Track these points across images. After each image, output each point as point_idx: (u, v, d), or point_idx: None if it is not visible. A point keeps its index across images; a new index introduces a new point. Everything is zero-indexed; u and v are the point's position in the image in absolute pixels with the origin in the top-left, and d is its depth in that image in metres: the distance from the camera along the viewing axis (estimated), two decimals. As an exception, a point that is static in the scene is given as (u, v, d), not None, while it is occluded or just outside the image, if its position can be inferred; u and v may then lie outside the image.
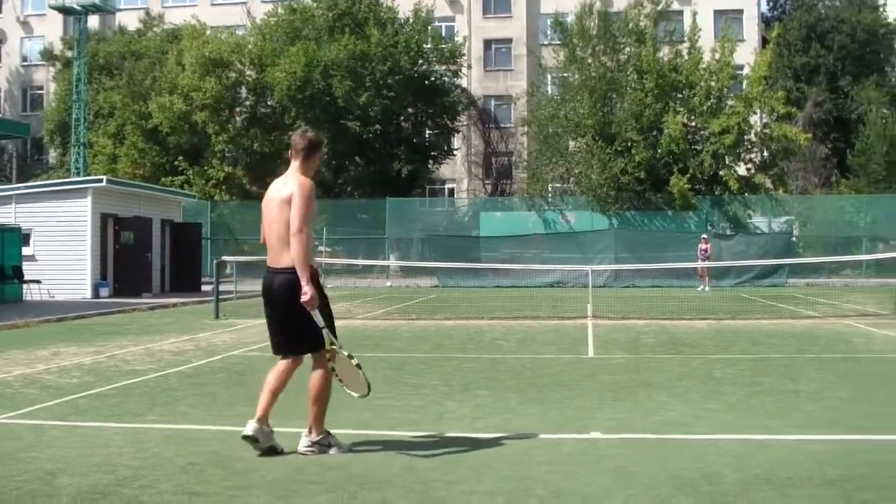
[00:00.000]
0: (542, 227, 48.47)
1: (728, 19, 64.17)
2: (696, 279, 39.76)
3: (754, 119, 50.97)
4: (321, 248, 46.35)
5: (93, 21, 69.67)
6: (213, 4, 76.18)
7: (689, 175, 46.92)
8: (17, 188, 36.19)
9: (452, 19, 73.22)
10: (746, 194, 48.99)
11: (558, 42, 55.01)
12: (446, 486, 6.77)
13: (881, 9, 72.94)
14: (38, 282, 31.32)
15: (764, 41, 62.71)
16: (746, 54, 56.90)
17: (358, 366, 7.91)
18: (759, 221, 49.68)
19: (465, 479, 6.97)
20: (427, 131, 63.09)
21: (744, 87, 49.98)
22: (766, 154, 50.61)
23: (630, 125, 47.45)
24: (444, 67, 61.92)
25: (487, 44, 73.75)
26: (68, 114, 63.10)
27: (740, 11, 72.28)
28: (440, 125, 62.81)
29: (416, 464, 7.51)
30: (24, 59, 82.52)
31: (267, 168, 56.88)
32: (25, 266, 31.13)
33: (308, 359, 8.01)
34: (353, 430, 8.72)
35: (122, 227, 33.59)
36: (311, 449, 7.87)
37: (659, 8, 51.54)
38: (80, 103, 60.49)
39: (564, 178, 52.69)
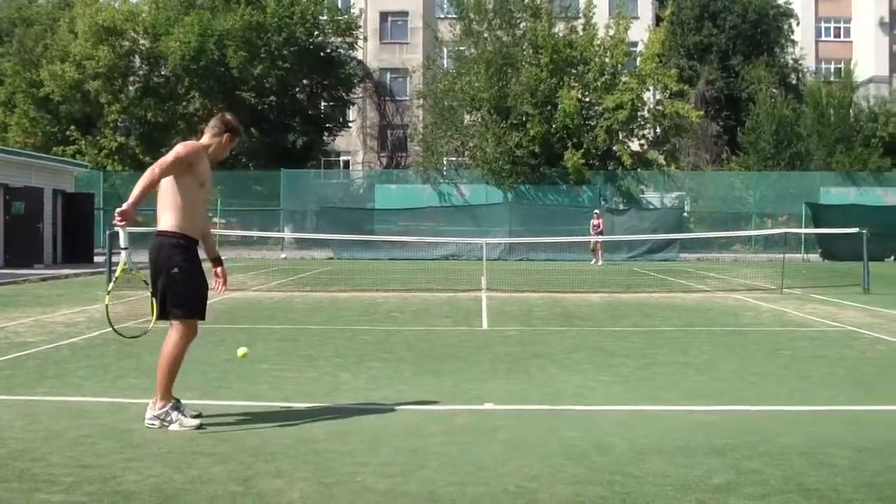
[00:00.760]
0: (437, 200, 48.55)
1: (623, -4, 64.75)
2: (589, 253, 40.10)
3: (647, 96, 51.61)
4: (215, 220, 45.92)
5: (-19, -14, 68.05)
6: (105, -30, 74.72)
7: (583, 150, 47.34)
8: None
9: (349, -9, 72.86)
10: (639, 170, 49.64)
11: (455, 16, 55.02)
12: (340, 458, 6.76)
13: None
14: (-78, 252, 30.62)
15: (658, 19, 63.47)
16: (640, 31, 57.46)
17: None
18: (651, 197, 50.34)
19: (359, 451, 6.96)
20: (322, 103, 62.73)
21: (637, 64, 50.53)
22: (658, 130, 51.26)
23: (525, 99, 47.67)
24: (339, 39, 61.54)
25: (384, 16, 73.44)
26: (-44, 81, 61.57)
27: (635, -11, 72.98)
28: (335, 97, 62.49)
29: (311, 435, 7.48)
30: None
31: (160, 138, 56.21)
32: (-90, 236, 30.38)
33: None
34: (247, 402, 8.67)
35: (12, 197, 32.85)
36: (152, 423, 7.72)
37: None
38: (-32, 70, 59.07)
39: (459, 151, 52.81)
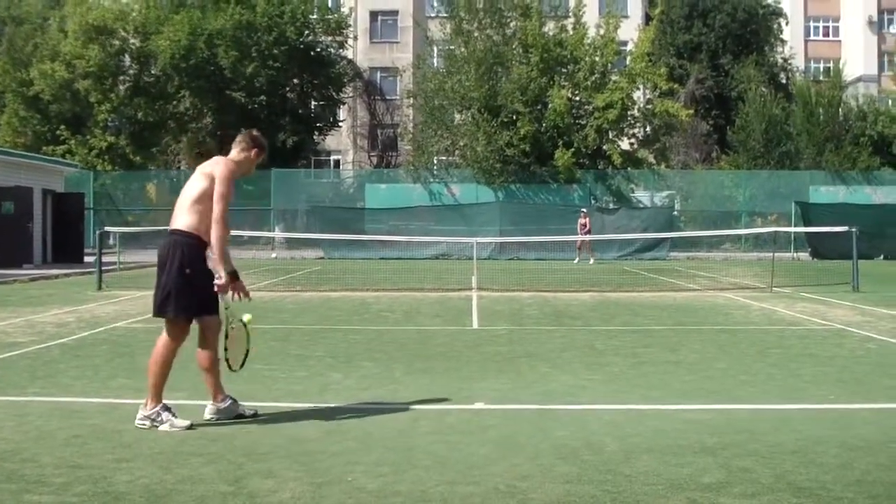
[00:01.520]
0: (428, 200, 48.48)
1: (612, -5, 64.77)
2: (575, 252, 40.10)
3: (637, 95, 51.63)
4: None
5: (-31, -16, 67.80)
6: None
7: (573, 149, 47.32)
8: None
9: (339, -10, 72.83)
10: (629, 169, 49.64)
11: (445, 15, 55.02)
12: (331, 458, 6.77)
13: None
14: (-89, 251, 30.51)
15: (647, 18, 63.53)
16: (630, 30, 57.46)
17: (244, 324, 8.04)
18: (641, 195, 50.33)
19: (350, 450, 6.97)
20: (312, 102, 62.59)
21: (627, 62, 50.54)
22: (648, 129, 51.31)
23: (516, 98, 47.65)
24: (329, 38, 61.40)
25: (374, 15, 73.38)
26: (-55, 80, 61.35)
27: (624, -12, 73.11)
28: (326, 96, 62.35)
29: (302, 435, 7.49)
30: None
31: (150, 138, 56.14)
32: None
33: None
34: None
35: (2, 197, 32.75)
36: (142, 423, 7.75)
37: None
38: (-43, 69, 58.87)
39: (450, 150, 52.74)
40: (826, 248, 40.53)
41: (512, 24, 51.23)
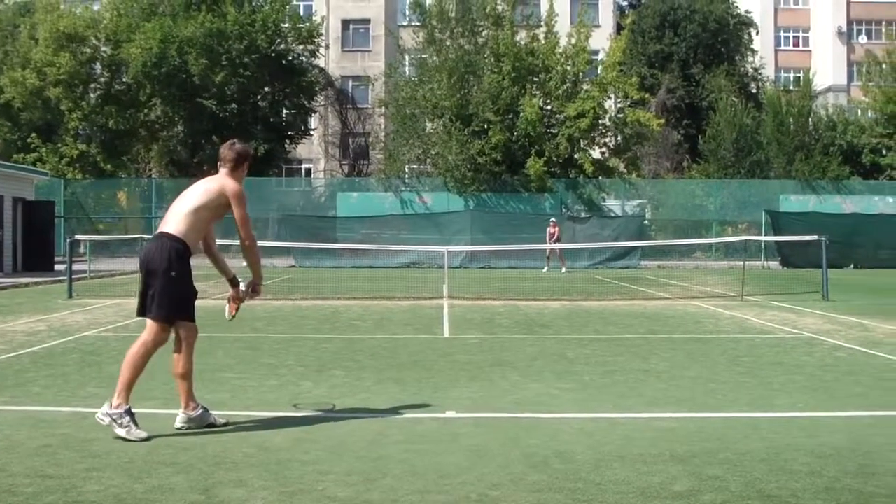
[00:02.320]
0: (399, 208, 48.48)
1: (584, 5, 64.85)
2: (543, 261, 40.23)
3: (609, 104, 51.88)
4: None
5: (-62, -9, 67.41)
6: (66, -23, 74.17)
7: (545, 158, 47.41)
8: None
9: (311, -2, 72.79)
10: (601, 177, 49.79)
11: (417, 24, 55.06)
12: (302, 466, 6.76)
13: (730, 0, 74.83)
14: None
15: (619, 28, 63.80)
16: (602, 40, 57.72)
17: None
18: (612, 204, 50.49)
19: (321, 459, 6.96)
20: (284, 111, 62.34)
21: (599, 72, 50.75)
22: (620, 138, 51.48)
23: (487, 107, 47.73)
24: (301, 47, 61.22)
25: (346, 24, 73.30)
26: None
27: (596, -3, 73.45)
28: (297, 105, 62.15)
29: (272, 444, 7.47)
30: None
31: (121, 146, 55.91)
32: None
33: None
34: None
35: (-30, 205, 32.64)
36: (103, 418, 7.72)
37: (517, -8, 52.06)
38: (-74, 76, 58.51)
39: (421, 159, 52.75)
40: (796, 257, 40.78)
41: (484, 34, 51.37)
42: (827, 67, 78.82)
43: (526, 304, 22.40)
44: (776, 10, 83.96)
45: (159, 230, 8.11)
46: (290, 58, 60.38)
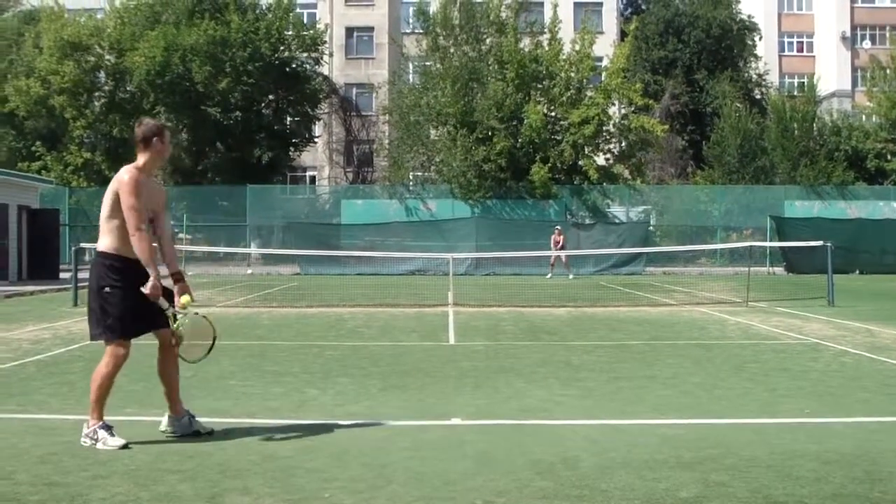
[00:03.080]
0: (404, 215, 48.51)
1: (587, 11, 65.10)
2: (557, 267, 40.28)
3: (613, 110, 51.81)
4: (181, 235, 45.74)
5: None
6: (70, -14, 74.25)
7: (549, 164, 47.42)
8: None
9: (314, 6, 72.80)
10: (605, 184, 49.75)
11: (420, 31, 55.14)
12: (307, 474, 6.75)
13: (734, 6, 74.84)
14: None
15: (623, 34, 63.76)
16: (605, 46, 57.75)
17: (204, 316, 8.01)
18: (617, 210, 50.51)
19: (326, 467, 6.95)
20: (288, 118, 62.38)
21: (603, 78, 50.73)
22: (624, 145, 51.48)
23: (492, 114, 47.74)
24: (305, 55, 61.30)
25: (349, 31, 73.42)
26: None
27: (599, 4, 73.60)
28: (301, 112, 62.19)
29: (277, 451, 7.47)
30: None
31: (126, 154, 55.79)
32: None
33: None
34: (213, 418, 8.61)
35: (-25, 214, 32.65)
36: (85, 441, 7.70)
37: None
38: (-68, 85, 58.60)
39: (426, 166, 52.77)
40: (801, 263, 40.74)
41: (488, 41, 51.42)
42: (831, 73, 78.79)
43: (531, 310, 22.38)
44: (780, 16, 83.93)
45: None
46: (294, 65, 60.47)
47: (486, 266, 42.46)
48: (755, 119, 59.11)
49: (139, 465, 7.01)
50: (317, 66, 63.31)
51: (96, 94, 57.04)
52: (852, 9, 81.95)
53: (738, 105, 60.97)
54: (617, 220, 49.20)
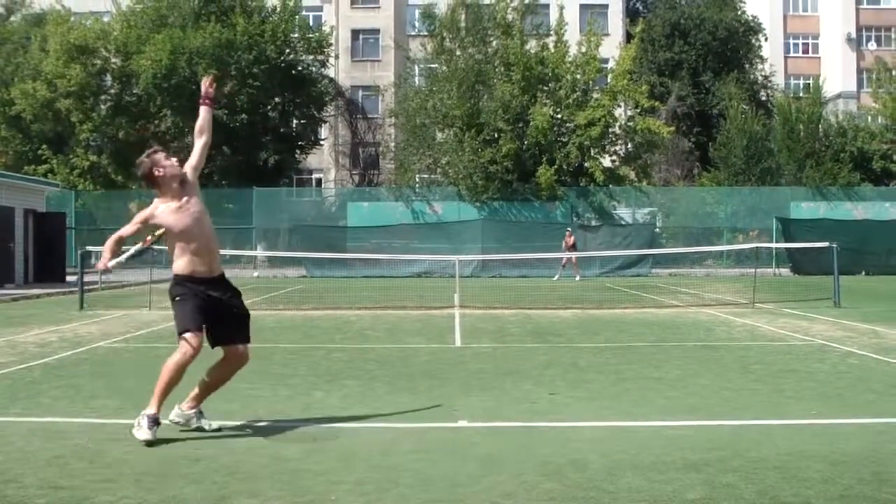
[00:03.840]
0: (410, 218, 48.53)
1: (593, 13, 65.03)
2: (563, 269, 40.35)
3: (619, 112, 51.79)
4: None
5: (-50, 5, 67.76)
6: (77, -11, 74.30)
7: (555, 166, 47.42)
8: None
9: (320, 9, 72.77)
10: (611, 186, 49.72)
11: (426, 33, 55.16)
12: (314, 476, 6.75)
13: (739, 8, 74.82)
14: None
15: (628, 36, 63.72)
16: (611, 48, 57.70)
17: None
18: (623, 212, 50.48)
19: (333, 469, 6.95)
20: (294, 121, 62.36)
21: (609, 80, 50.73)
22: (630, 146, 51.48)
23: (498, 116, 47.77)
24: (311, 57, 61.27)
25: (355, 34, 73.40)
26: (-74, 99, 61.11)
27: (605, 6, 73.49)
28: (307, 115, 62.17)
29: (284, 454, 7.47)
30: None
31: (132, 157, 55.70)
32: None
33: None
34: (220, 421, 8.63)
35: (-17, 217, 32.70)
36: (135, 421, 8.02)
37: (527, 1, 52.02)
38: (-62, 89, 58.71)
39: (432, 168, 52.77)
40: (807, 264, 40.68)
41: (494, 43, 51.44)
42: (836, 74, 78.72)
43: (537, 312, 22.38)
44: (785, 17, 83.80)
45: (211, 273, 8.59)
46: (300, 68, 60.47)
47: (492, 268, 42.47)
48: (761, 120, 58.99)
49: (146, 468, 7.02)
50: (322, 69, 63.34)
51: (102, 97, 57.08)
52: (857, 10, 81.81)
53: (744, 107, 60.83)
54: (623, 222, 49.18)
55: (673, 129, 53.14)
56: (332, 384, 11.21)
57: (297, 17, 59.80)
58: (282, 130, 60.11)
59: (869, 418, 9.10)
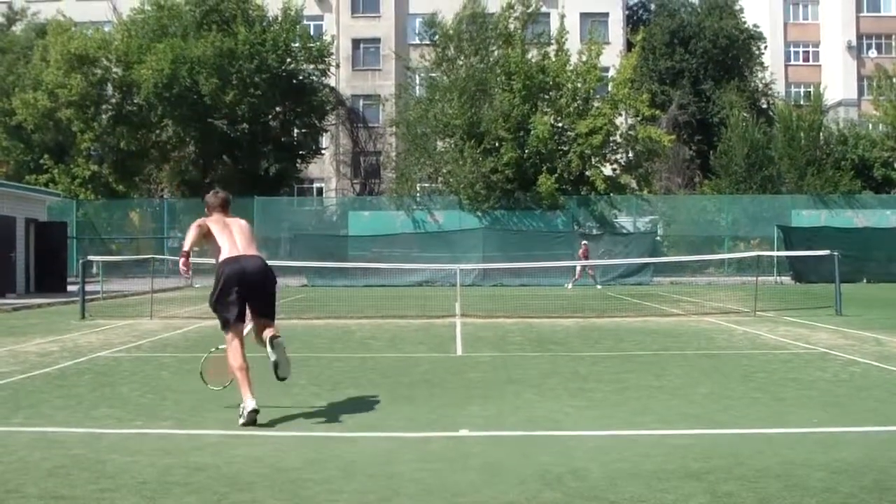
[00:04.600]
0: (411, 227, 48.48)
1: (594, 22, 64.98)
2: (564, 277, 40.34)
3: (620, 120, 51.78)
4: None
5: (-50, 15, 67.83)
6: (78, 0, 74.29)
7: (556, 175, 47.41)
8: None
9: (321, 18, 72.83)
10: (612, 194, 49.68)
11: (427, 42, 55.19)
12: (315, 486, 6.75)
13: (740, 16, 74.89)
14: None
15: (629, 45, 63.77)
16: (612, 57, 57.69)
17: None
18: (624, 221, 50.45)
19: (334, 479, 6.95)
20: (295, 130, 62.37)
21: (610, 89, 50.74)
22: (631, 155, 51.44)
23: (499, 125, 47.78)
24: (312, 66, 61.30)
25: (356, 43, 73.48)
26: (-73, 109, 61.13)
27: (605, 15, 73.48)
28: (308, 124, 62.17)
29: (285, 463, 7.47)
30: None
31: (133, 166, 55.97)
32: None
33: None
34: (221, 431, 8.64)
35: (-16, 226, 32.69)
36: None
37: (529, 11, 52.06)
38: (-61, 99, 58.71)
39: (433, 177, 52.77)
40: (809, 272, 40.67)
41: (495, 52, 51.46)
42: (837, 82, 78.82)
43: (538, 321, 22.36)
44: (786, 25, 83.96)
45: (242, 252, 10.60)
46: (301, 77, 60.49)
47: (493, 277, 42.47)
48: (762, 128, 59.00)
49: (147, 478, 7.01)
50: (323, 78, 63.33)
51: (104, 106, 57.00)
52: (858, 18, 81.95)
53: (745, 114, 60.84)
54: (624, 231, 49.15)
55: (674, 137, 53.18)
56: (334, 393, 11.22)
57: (298, 26, 59.84)
58: (283, 139, 60.14)
59: (871, 426, 9.10)
